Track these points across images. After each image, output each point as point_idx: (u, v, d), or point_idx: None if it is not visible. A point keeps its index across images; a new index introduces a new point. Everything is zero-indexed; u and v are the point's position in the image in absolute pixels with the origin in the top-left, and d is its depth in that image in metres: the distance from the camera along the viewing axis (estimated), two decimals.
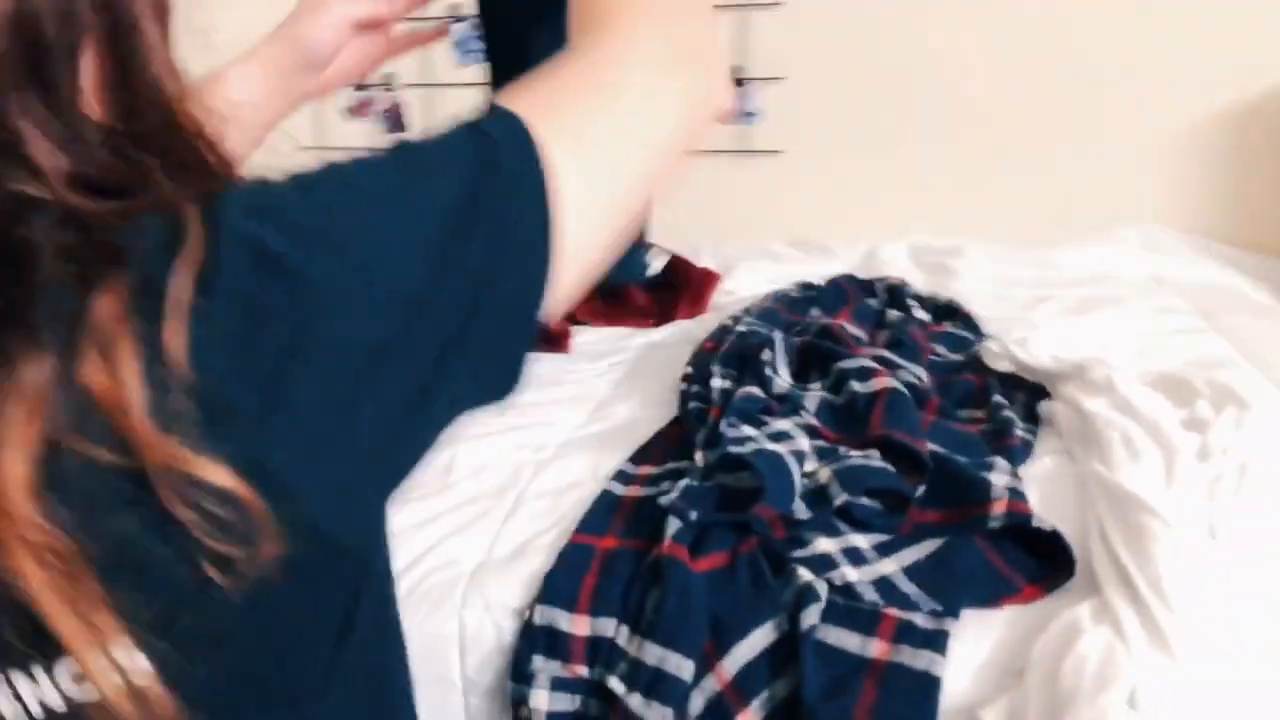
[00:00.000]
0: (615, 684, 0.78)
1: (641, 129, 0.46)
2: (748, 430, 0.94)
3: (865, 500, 0.88)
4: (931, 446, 0.95)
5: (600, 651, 0.81)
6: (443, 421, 0.41)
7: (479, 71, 2.22)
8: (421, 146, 0.41)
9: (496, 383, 0.43)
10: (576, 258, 0.43)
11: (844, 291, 1.44)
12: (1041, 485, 0.96)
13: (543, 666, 0.81)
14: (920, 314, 1.45)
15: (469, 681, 0.85)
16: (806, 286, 1.47)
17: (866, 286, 1.47)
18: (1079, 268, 1.84)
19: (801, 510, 0.86)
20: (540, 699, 0.81)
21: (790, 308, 1.37)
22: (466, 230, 0.39)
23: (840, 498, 0.86)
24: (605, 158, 0.44)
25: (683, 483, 0.89)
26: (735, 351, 1.14)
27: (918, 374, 1.15)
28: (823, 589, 0.80)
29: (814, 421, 0.99)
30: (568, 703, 0.81)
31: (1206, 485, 0.92)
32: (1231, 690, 0.70)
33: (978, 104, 2.10)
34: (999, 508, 0.84)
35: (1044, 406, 1.10)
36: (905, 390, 1.01)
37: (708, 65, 0.51)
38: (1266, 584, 0.79)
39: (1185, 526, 0.82)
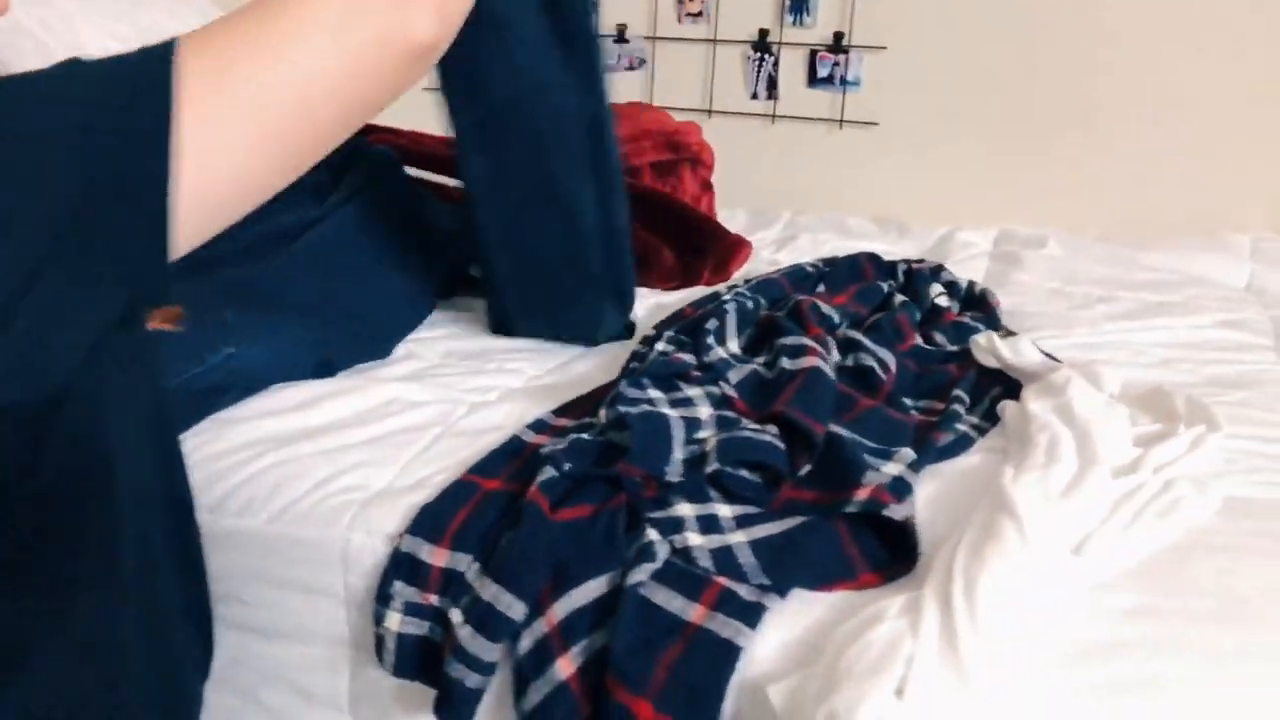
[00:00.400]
0: (454, 614, 0.83)
1: (300, 60, 0.48)
2: (653, 393, 0.96)
3: (745, 472, 0.89)
4: (836, 429, 0.94)
5: (452, 584, 0.85)
6: (77, 318, 0.46)
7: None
8: (85, 65, 0.45)
9: (130, 284, 0.46)
10: (216, 187, 0.46)
11: (860, 270, 1.42)
12: (952, 480, 0.93)
13: (400, 591, 0.86)
14: (943, 301, 1.41)
15: (350, 596, 0.92)
16: (827, 262, 1.45)
17: (888, 267, 1.43)
18: (1168, 270, 1.73)
19: (675, 473, 0.88)
20: (393, 620, 0.86)
21: (798, 283, 1.35)
22: (88, 150, 0.43)
23: (712, 466, 0.87)
24: (251, 89, 0.46)
25: (572, 435, 0.92)
26: (693, 320, 1.15)
27: (883, 358, 1.12)
28: (664, 550, 0.82)
29: (731, 393, 0.99)
30: (416, 627, 0.86)
31: (1114, 501, 0.87)
32: (1006, 707, 0.67)
33: (1087, 89, 1.98)
34: (862, 494, 0.83)
35: (1002, 405, 1.06)
36: (828, 371, 1.00)
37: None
38: (1107, 609, 0.75)
39: (1047, 537, 0.78)
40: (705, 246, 1.54)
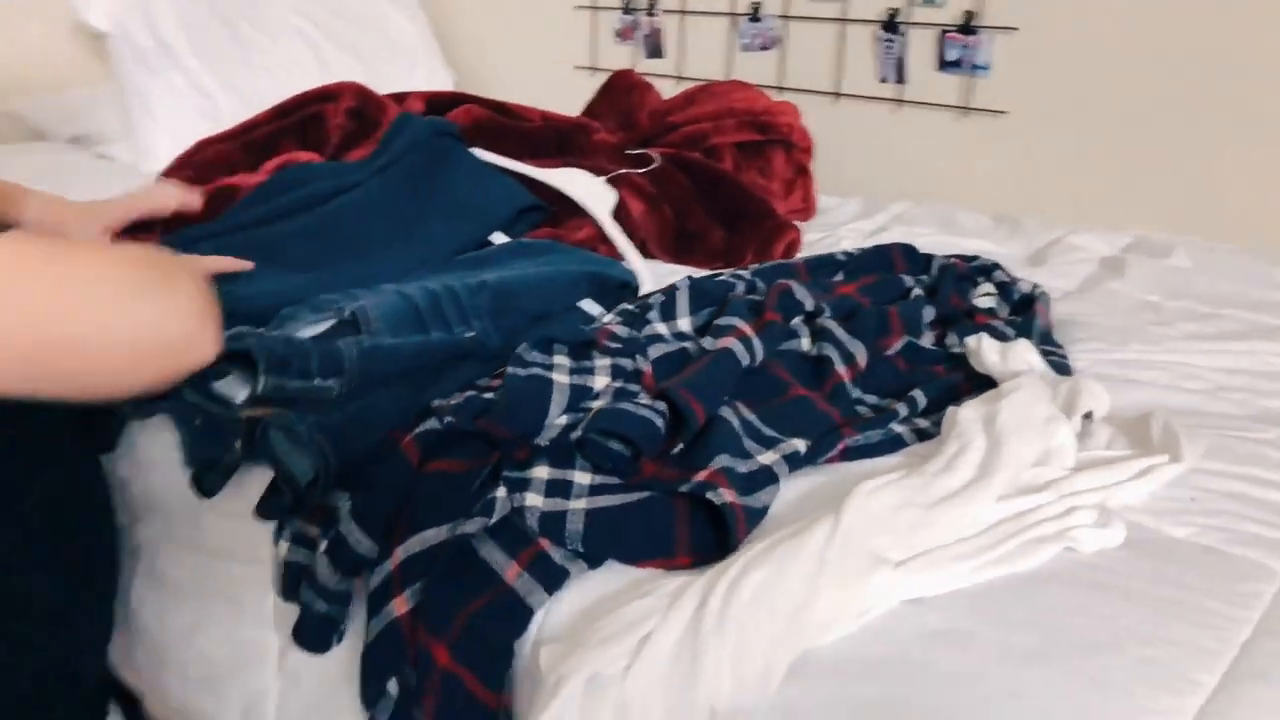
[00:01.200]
0: (322, 545, 0.88)
1: (57, 320, 0.51)
2: (558, 359, 0.97)
3: (615, 444, 0.89)
4: (727, 414, 0.92)
5: (329, 518, 0.91)
6: None
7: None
8: None
9: None
10: None
11: (888, 261, 1.35)
12: (842, 479, 0.89)
13: (292, 522, 0.93)
14: (986, 302, 1.32)
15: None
16: (861, 251, 1.39)
17: (923, 261, 1.36)
18: None
19: (545, 437, 0.89)
20: (283, 548, 0.93)
21: (815, 269, 1.31)
22: None
23: (577, 433, 0.88)
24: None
25: (470, 392, 0.95)
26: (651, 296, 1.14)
27: (851, 351, 1.08)
28: (504, 507, 0.83)
29: (645, 367, 0.99)
30: (301, 555, 0.92)
31: (993, 519, 0.80)
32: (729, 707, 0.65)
33: (1253, 81, 1.76)
34: (700, 476, 0.82)
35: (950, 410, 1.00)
36: (741, 354, 0.97)
37: (193, 312, 0.56)
38: (910, 628, 0.70)
39: (865, 545, 0.74)
40: (752, 229, 1.52)
